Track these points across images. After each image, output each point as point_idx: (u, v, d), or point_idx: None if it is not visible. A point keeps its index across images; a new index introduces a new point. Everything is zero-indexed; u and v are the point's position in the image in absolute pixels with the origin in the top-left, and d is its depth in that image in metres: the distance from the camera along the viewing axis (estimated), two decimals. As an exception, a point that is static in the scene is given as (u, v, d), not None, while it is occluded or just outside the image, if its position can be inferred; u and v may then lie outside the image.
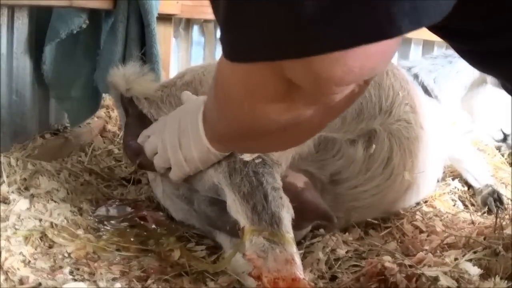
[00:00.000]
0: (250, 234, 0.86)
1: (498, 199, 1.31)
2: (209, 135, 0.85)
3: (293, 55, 0.53)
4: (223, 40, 0.57)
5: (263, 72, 0.59)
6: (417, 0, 0.49)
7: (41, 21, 1.45)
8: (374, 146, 1.07)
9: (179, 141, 0.90)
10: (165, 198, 1.11)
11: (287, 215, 0.88)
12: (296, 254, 0.84)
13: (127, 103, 1.12)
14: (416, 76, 1.65)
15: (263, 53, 0.54)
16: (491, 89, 1.67)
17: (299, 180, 0.96)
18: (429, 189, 1.28)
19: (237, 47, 0.56)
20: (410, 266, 0.85)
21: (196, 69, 1.16)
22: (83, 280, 0.86)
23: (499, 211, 1.24)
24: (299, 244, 1.02)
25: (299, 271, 0.82)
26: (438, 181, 1.35)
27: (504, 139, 1.74)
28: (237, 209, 0.89)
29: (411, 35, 2.11)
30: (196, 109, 0.87)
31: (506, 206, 1.29)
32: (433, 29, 0.83)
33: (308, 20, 0.49)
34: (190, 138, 0.87)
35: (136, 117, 1.10)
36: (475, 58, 0.84)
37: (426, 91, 1.63)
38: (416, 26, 0.49)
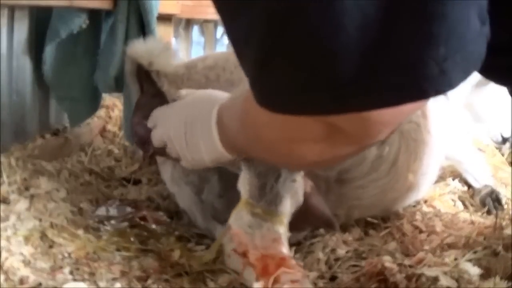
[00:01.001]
0: (242, 207, 0.84)
1: (496, 199, 1.31)
2: (226, 143, 0.80)
3: (335, 111, 0.50)
4: (256, 87, 0.54)
5: (304, 118, 0.55)
6: (465, 49, 0.46)
7: (41, 21, 1.45)
8: (387, 148, 1.06)
9: (186, 141, 0.85)
10: (173, 184, 1.09)
11: (291, 199, 0.86)
12: (284, 235, 0.82)
13: (144, 79, 1.07)
14: None
15: (302, 107, 0.51)
16: (493, 89, 1.67)
17: (307, 184, 0.96)
18: (427, 189, 1.28)
19: (274, 98, 0.53)
20: (410, 266, 0.85)
21: (218, 55, 1.14)
22: (83, 280, 0.86)
23: (498, 211, 1.24)
24: (299, 244, 1.02)
25: (287, 250, 0.80)
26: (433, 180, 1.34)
27: (503, 142, 1.74)
28: (244, 183, 0.86)
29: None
30: (208, 111, 0.81)
31: (504, 206, 1.29)
32: None
33: (352, 79, 0.46)
34: (200, 142, 0.82)
35: (150, 96, 1.04)
36: (493, 72, 0.84)
37: None
38: (466, 77, 0.47)
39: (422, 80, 0.45)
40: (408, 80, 0.46)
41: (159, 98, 1.02)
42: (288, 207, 0.86)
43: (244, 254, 0.79)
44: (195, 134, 0.84)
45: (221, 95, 0.87)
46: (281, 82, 0.50)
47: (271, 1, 0.47)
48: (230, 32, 0.55)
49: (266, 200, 0.84)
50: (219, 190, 0.97)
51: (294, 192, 0.87)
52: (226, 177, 0.98)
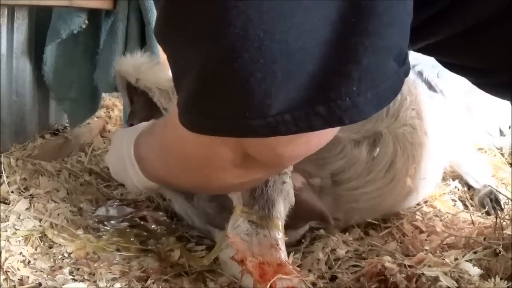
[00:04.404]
0: (238, 215, 0.85)
1: (495, 200, 1.30)
2: (150, 177, 0.89)
3: (255, 136, 0.58)
4: (185, 112, 0.61)
5: (225, 146, 0.65)
6: (377, 87, 0.55)
7: (41, 21, 1.45)
8: (378, 149, 1.06)
9: (120, 170, 0.94)
10: (167, 191, 1.10)
11: (283, 201, 0.87)
12: (281, 240, 0.83)
13: (133, 92, 1.11)
14: (420, 74, 1.64)
15: (223, 130, 0.59)
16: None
17: (297, 180, 0.96)
18: (428, 192, 1.28)
19: (204, 120, 0.60)
20: (410, 266, 0.84)
21: None
22: (83, 280, 0.86)
23: (498, 212, 1.23)
24: (298, 244, 1.02)
25: (284, 256, 0.81)
26: (436, 183, 1.34)
27: (501, 135, 1.74)
28: None
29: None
30: (128, 145, 0.91)
31: (504, 206, 1.29)
32: (448, 66, 0.86)
33: (284, 110, 0.55)
34: (130, 173, 0.91)
35: (140, 108, 1.09)
36: (491, 88, 0.88)
37: (430, 86, 1.62)
38: (377, 110, 0.57)
39: (339, 110, 0.55)
40: (329, 110, 0.55)
41: (150, 109, 1.07)
42: (281, 210, 0.87)
43: (242, 262, 0.79)
44: (124, 165, 0.92)
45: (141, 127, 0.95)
46: (211, 109, 0.59)
47: (211, 48, 0.55)
48: (174, 60, 0.63)
49: (259, 205, 0.85)
50: (209, 195, 0.98)
51: (286, 193, 0.88)
52: None
